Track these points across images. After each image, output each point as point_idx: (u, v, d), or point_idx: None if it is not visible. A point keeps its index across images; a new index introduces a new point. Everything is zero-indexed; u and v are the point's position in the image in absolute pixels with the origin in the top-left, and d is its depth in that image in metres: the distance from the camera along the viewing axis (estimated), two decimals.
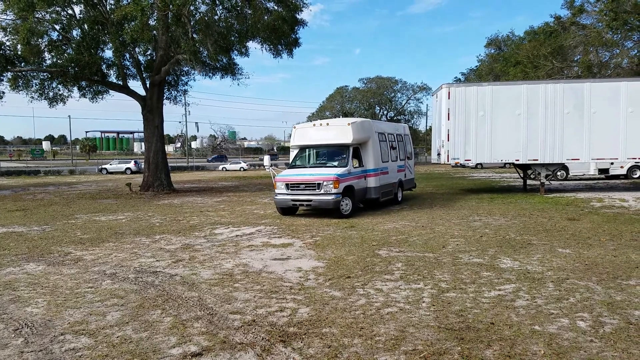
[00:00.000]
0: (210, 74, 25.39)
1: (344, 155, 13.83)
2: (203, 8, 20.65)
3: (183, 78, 27.05)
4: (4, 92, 21.38)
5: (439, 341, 4.60)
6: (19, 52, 20.46)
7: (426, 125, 73.51)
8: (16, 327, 5.22)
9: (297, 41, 24.11)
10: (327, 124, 14.46)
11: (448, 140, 18.60)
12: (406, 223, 12.13)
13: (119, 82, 23.87)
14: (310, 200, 13.09)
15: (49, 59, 21.87)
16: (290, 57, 24.57)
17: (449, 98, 18.54)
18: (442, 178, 31.55)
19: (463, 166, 44.07)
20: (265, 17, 21.20)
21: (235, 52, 23.34)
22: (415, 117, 71.86)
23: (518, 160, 18.52)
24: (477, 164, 35.65)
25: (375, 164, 14.54)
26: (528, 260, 7.94)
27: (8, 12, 20.03)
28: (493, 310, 5.49)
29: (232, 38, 21.60)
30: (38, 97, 22.18)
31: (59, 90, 22.73)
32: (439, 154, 19.70)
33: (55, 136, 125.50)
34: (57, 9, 20.77)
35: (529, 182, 20.96)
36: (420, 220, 12.63)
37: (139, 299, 6.19)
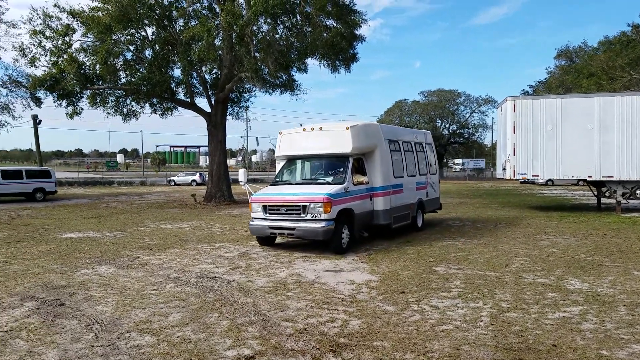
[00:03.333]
0: (271, 91, 26.17)
1: (342, 169, 10.71)
2: (265, 28, 21.41)
3: (245, 95, 28.13)
4: (82, 108, 23.16)
5: None
6: (98, 71, 22.16)
7: (492, 139, 71.12)
8: (88, 323, 5.60)
9: (355, 56, 24.32)
10: (321, 129, 11.18)
11: (514, 155, 17.92)
12: (467, 240, 11.76)
13: (187, 99, 25.16)
14: (292, 229, 9.87)
15: (123, 77, 23.54)
16: (347, 72, 24.86)
17: (514, 111, 17.89)
18: (509, 194, 30.29)
19: (532, 182, 42.02)
20: (324, 35, 21.61)
21: (295, 68, 23.91)
22: (480, 130, 69.42)
23: (591, 177, 17.45)
24: (548, 180, 33.98)
25: (385, 180, 11.36)
26: (599, 282, 7.44)
27: (89, 35, 21.81)
28: (556, 332, 5.20)
29: (292, 55, 22.17)
30: (113, 112, 23.85)
31: (132, 106, 24.36)
32: (504, 169, 18.99)
33: (129, 150, 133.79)
34: (132, 31, 22.37)
35: (603, 200, 19.66)
36: (483, 237, 12.19)
37: (198, 302, 6.45)
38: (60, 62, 21.55)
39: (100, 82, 22.85)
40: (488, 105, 65.92)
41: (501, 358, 4.50)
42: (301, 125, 12.18)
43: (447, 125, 68.68)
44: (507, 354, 4.59)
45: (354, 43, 23.60)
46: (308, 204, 9.69)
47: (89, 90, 22.77)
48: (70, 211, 19.59)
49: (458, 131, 67.92)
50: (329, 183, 10.41)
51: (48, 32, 21.64)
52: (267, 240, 10.90)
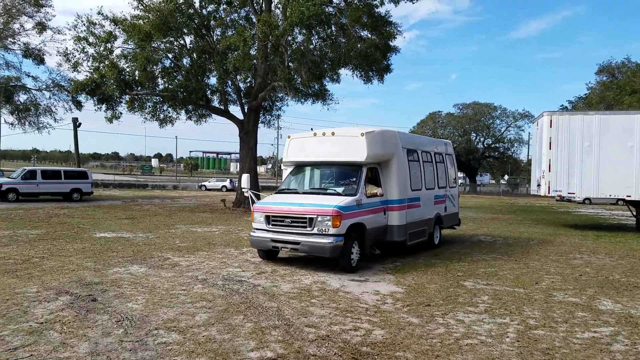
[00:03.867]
0: (303, 100, 26.44)
1: (354, 179, 9.85)
2: (300, 38, 21.70)
3: (277, 103, 28.49)
4: (121, 113, 23.97)
5: None
6: (137, 78, 22.93)
7: (527, 155, 69.43)
8: (118, 319, 5.79)
9: (388, 67, 24.33)
10: (333, 134, 10.29)
11: (549, 171, 17.49)
12: (497, 256, 11.54)
13: (221, 107, 25.70)
14: (297, 243, 8.98)
15: (161, 84, 24.27)
16: (380, 83, 24.85)
17: (550, 126, 17.51)
18: (543, 212, 29.52)
19: (568, 200, 40.78)
20: (358, 45, 21.74)
21: (327, 78, 24.11)
22: (515, 145, 67.86)
23: (630, 196, 16.85)
24: (585, 199, 32.89)
25: (401, 193, 10.50)
26: (632, 303, 7.18)
27: (129, 42, 22.63)
28: (585, 352, 5.06)
29: (325, 66, 22.37)
30: (150, 118, 24.60)
31: (168, 112, 25.09)
32: (538, 185, 18.55)
33: (163, 154, 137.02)
34: (171, 39, 23.08)
35: None
36: (514, 254, 11.93)
37: (224, 304, 6.57)
38: (101, 67, 22.39)
39: (139, 88, 23.60)
40: (524, 119, 64.41)
41: None
42: (312, 129, 11.91)
43: (481, 139, 67.45)
44: None
45: (388, 54, 23.64)
46: (315, 216, 8.81)
47: (127, 96, 23.56)
48: (105, 212, 20.24)
49: (493, 145, 66.64)
50: (339, 194, 9.54)
51: (91, 39, 22.56)
52: (268, 254, 9.96)
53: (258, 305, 6.52)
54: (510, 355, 4.92)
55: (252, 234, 9.76)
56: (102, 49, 22.48)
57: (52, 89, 30.70)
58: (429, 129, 66.37)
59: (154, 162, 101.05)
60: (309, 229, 8.88)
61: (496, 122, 66.31)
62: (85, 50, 22.65)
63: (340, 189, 9.78)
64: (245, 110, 24.91)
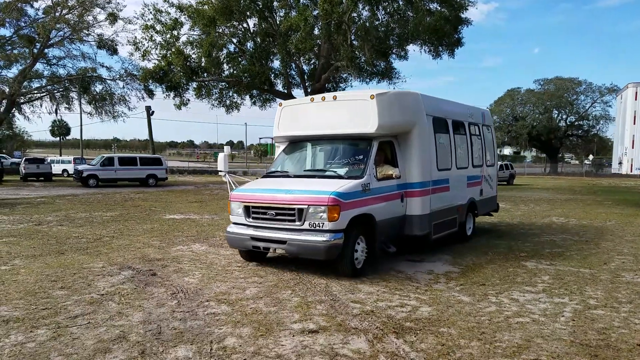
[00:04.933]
0: (367, 79, 26.11)
1: (361, 157, 7.59)
2: (364, 14, 21.34)
3: (341, 85, 28.34)
4: (189, 100, 25.02)
5: (567, 355, 4.09)
6: (202, 64, 23.75)
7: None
8: (173, 292, 6.14)
9: (459, 41, 23.36)
10: (335, 98, 8.02)
11: (632, 148, 16.08)
12: (567, 237, 10.83)
13: (285, 91, 26.03)
14: (282, 242, 6.95)
15: (226, 69, 24.96)
16: (451, 58, 23.91)
17: (636, 99, 16.09)
18: (627, 192, 27.24)
19: None
20: (427, 19, 20.99)
21: (394, 55, 23.59)
22: (601, 122, 62.39)
23: None
24: None
25: (424, 174, 8.18)
26: None
27: (195, 29, 23.44)
28: None
29: (391, 42, 21.87)
30: (217, 104, 25.50)
31: (233, 98, 25.82)
32: (620, 163, 17.22)
33: (235, 142, 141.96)
34: (235, 23, 23.57)
35: None
36: (586, 234, 11.16)
37: (275, 279, 6.75)
38: (168, 55, 23.35)
39: (205, 75, 24.44)
40: (612, 95, 58.92)
41: (574, 353, 4.15)
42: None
43: (564, 117, 62.86)
44: (581, 349, 4.22)
45: (459, 27, 22.70)
46: (306, 206, 6.71)
47: (194, 82, 24.50)
48: (176, 196, 21.40)
49: (576, 123, 61.93)
50: (340, 177, 7.30)
51: (158, 27, 23.60)
52: (252, 255, 7.80)
53: (307, 282, 6.62)
54: (562, 334, 4.63)
55: (228, 229, 7.63)
56: (168, 36, 23.46)
57: (125, 78, 32.38)
58: (507, 106, 62.97)
59: (226, 149, 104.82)
60: (298, 223, 6.81)
61: (580, 98, 61.30)
62: (153, 38, 23.75)
63: (342, 171, 7.52)
64: (309, 92, 25.05)
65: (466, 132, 10.24)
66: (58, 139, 70.20)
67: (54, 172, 32.15)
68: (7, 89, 27.83)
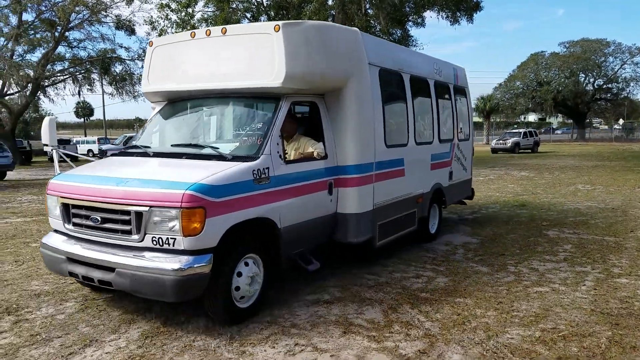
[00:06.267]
0: None
1: (260, 124, 4.84)
2: None
3: None
4: None
5: (587, 323, 4.01)
6: None
7: None
8: None
9: (478, 5, 22.51)
10: (224, 32, 5.00)
11: None
12: (592, 204, 10.55)
13: None
14: (110, 269, 4.05)
15: None
16: (470, 23, 23.12)
17: None
18: None
19: None
20: None
21: (411, 22, 22.98)
22: (632, 85, 59.31)
23: None
24: None
25: (363, 152, 5.44)
26: None
27: (209, 5, 23.23)
28: None
29: (407, 9, 21.29)
30: None
31: None
32: None
33: None
34: None
35: None
36: (612, 201, 10.85)
37: None
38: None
39: None
40: None
41: (594, 321, 4.06)
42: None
43: (591, 80, 60.20)
44: (601, 317, 4.14)
45: None
46: (146, 209, 3.91)
47: None
48: None
49: (605, 86, 59.32)
50: (222, 157, 4.53)
51: (173, 5, 23.44)
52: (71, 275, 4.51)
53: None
54: (582, 302, 4.55)
55: (43, 241, 4.76)
56: (183, 14, 23.32)
57: (143, 58, 32.50)
58: (530, 72, 60.68)
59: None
60: (135, 237, 4.01)
61: (609, 60, 58.48)
62: (169, 17, 23.65)
63: (228, 147, 4.83)
64: None
65: (431, 93, 7.27)
66: (82, 120, 71.48)
67: (80, 153, 33.04)
68: (32, 73, 28.28)
